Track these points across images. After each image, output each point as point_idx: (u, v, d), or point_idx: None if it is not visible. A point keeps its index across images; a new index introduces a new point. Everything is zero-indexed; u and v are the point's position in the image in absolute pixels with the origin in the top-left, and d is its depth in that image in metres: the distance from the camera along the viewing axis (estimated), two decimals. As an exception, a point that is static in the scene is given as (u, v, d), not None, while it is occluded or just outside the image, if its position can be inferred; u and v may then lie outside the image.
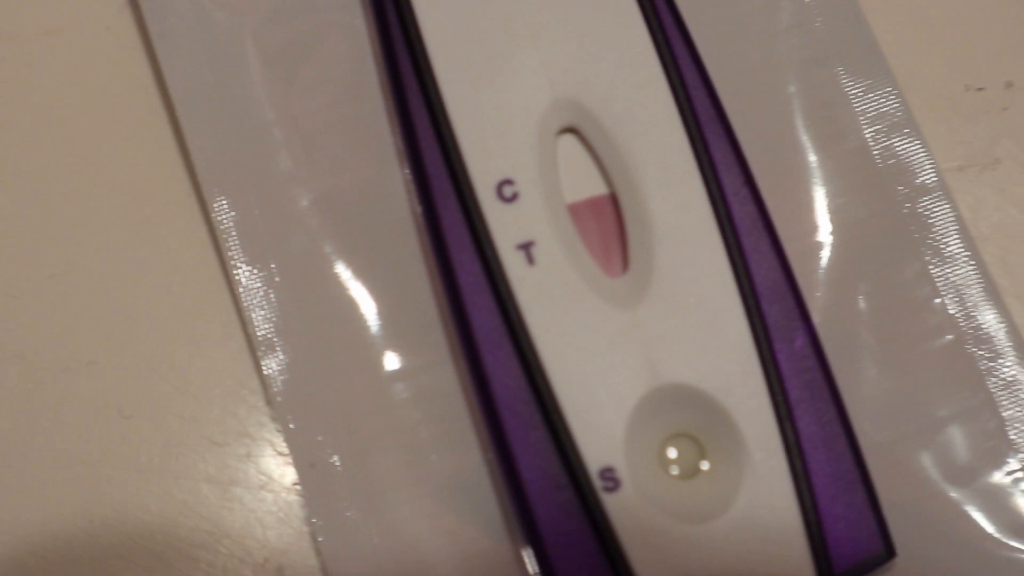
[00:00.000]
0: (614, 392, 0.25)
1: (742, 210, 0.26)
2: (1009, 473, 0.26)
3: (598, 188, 0.26)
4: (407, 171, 0.27)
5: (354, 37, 0.28)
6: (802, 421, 0.25)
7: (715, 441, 0.25)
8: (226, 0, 0.28)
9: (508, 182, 0.26)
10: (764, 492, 0.24)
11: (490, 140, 0.26)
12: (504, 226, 0.25)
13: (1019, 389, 0.26)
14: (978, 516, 0.26)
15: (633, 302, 0.25)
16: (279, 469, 0.26)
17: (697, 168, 0.26)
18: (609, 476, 0.24)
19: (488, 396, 0.25)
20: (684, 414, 0.25)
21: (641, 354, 0.25)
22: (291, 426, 0.26)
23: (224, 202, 0.27)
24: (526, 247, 0.25)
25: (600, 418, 0.25)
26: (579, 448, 0.24)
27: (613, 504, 0.24)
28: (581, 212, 0.26)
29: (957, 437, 0.26)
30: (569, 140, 0.26)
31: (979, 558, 0.25)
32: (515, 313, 0.25)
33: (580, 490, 0.24)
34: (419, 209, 0.26)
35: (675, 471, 0.25)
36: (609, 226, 0.26)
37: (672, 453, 0.25)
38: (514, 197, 0.26)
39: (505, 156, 0.26)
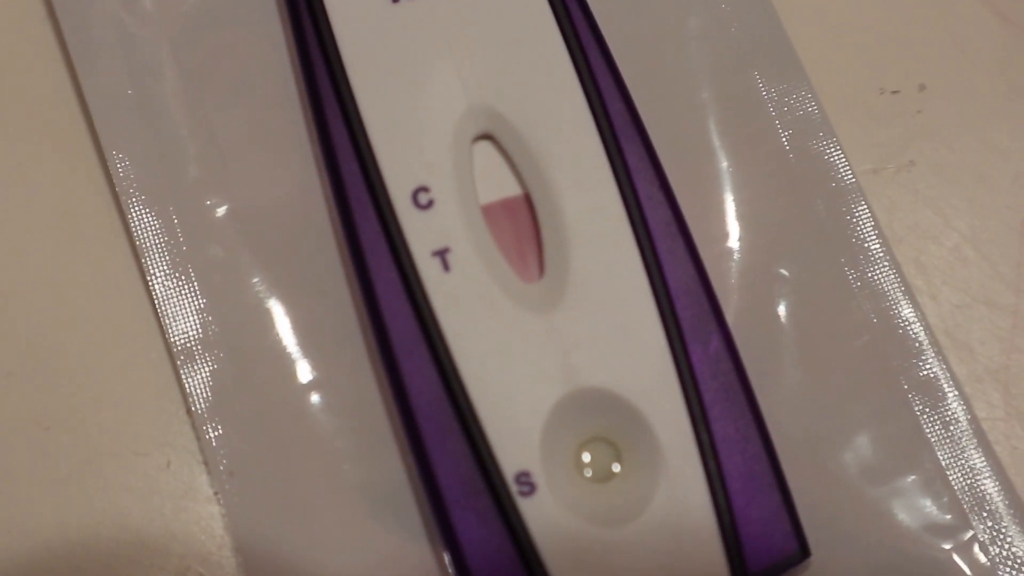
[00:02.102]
0: (530, 397, 0.25)
1: (656, 214, 0.26)
2: (923, 471, 0.26)
3: (513, 191, 0.26)
4: (326, 180, 0.27)
5: (273, 48, 0.28)
6: (717, 423, 0.25)
7: (631, 444, 0.25)
8: (144, 12, 0.28)
9: (423, 189, 0.26)
10: (679, 495, 0.25)
11: (405, 148, 0.26)
12: (419, 233, 0.26)
13: (934, 389, 0.27)
14: (894, 515, 0.26)
15: (548, 307, 0.25)
16: (199, 478, 0.26)
17: (612, 173, 0.26)
18: (525, 480, 0.25)
19: (405, 402, 0.25)
20: (600, 418, 0.25)
21: (557, 359, 0.25)
22: (210, 435, 0.26)
23: (142, 212, 0.27)
24: (441, 254, 0.26)
25: (516, 423, 0.25)
26: (495, 453, 0.25)
27: (529, 508, 0.24)
28: (496, 214, 0.26)
29: (873, 436, 0.26)
30: (485, 147, 0.27)
31: (895, 556, 0.26)
32: (431, 320, 0.25)
33: (496, 495, 0.25)
34: (337, 216, 0.26)
35: (591, 475, 0.25)
36: (524, 230, 0.26)
37: (588, 457, 0.25)
38: (429, 204, 0.26)
39: (420, 164, 0.26)
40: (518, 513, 0.24)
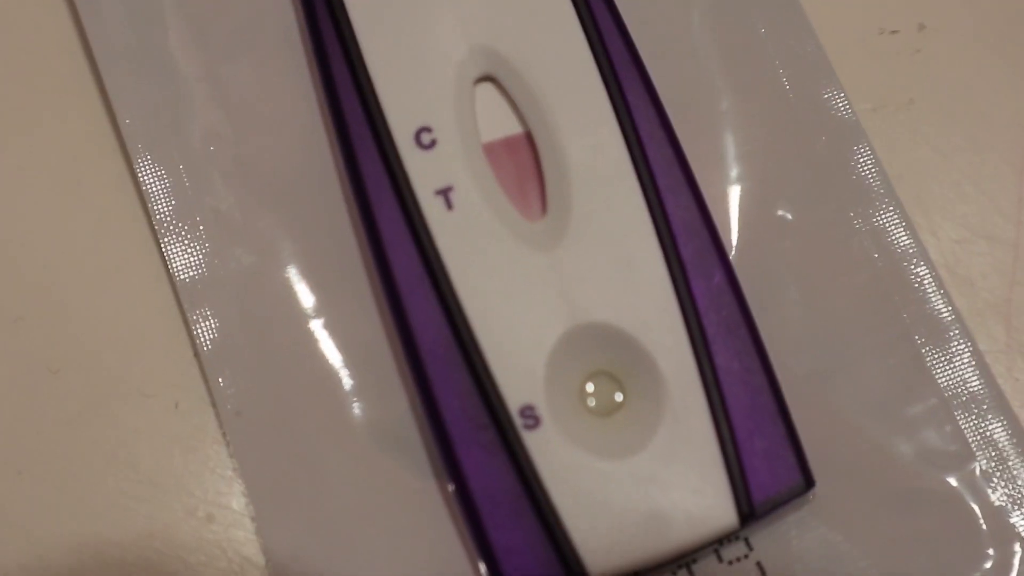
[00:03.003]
0: (533, 332, 0.25)
1: (658, 151, 0.26)
2: (926, 404, 0.26)
3: (515, 130, 0.27)
4: (330, 124, 0.27)
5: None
6: (719, 356, 0.25)
7: (634, 378, 0.25)
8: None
9: (426, 129, 0.26)
10: (683, 426, 0.25)
11: (408, 89, 0.26)
12: (423, 172, 0.26)
13: (936, 323, 0.27)
14: (897, 447, 0.26)
15: (551, 244, 0.26)
16: (208, 419, 0.26)
17: (613, 112, 0.26)
18: (529, 414, 0.25)
19: (410, 340, 0.25)
20: (603, 352, 0.25)
21: (559, 294, 0.25)
22: (217, 376, 0.26)
23: (148, 159, 0.27)
24: (445, 192, 0.26)
25: (520, 358, 0.25)
26: (499, 388, 0.25)
27: (534, 442, 0.25)
28: (498, 153, 0.26)
29: (875, 371, 0.26)
30: (487, 88, 0.27)
31: (898, 488, 0.26)
32: (435, 258, 0.25)
33: (501, 429, 0.25)
34: (341, 158, 0.26)
35: (595, 408, 0.25)
36: (527, 169, 0.26)
37: (592, 391, 0.25)
38: (432, 144, 0.26)
39: (423, 104, 0.26)
40: (523, 447, 0.25)
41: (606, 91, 0.26)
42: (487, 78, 0.27)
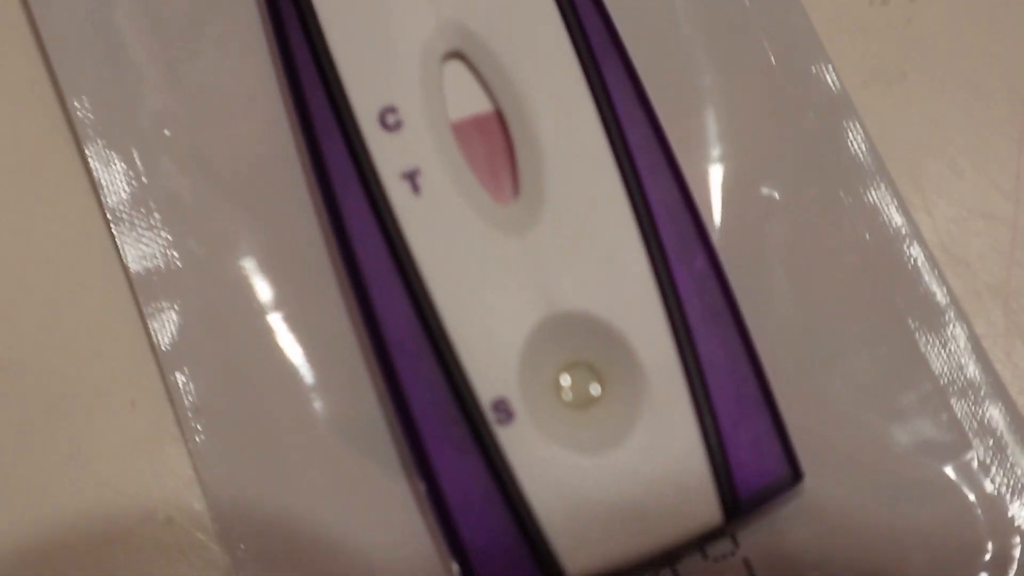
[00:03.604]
0: (506, 322, 0.24)
1: (636, 131, 0.25)
2: (920, 392, 0.25)
3: (485, 108, 0.25)
4: (291, 105, 0.26)
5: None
6: (703, 344, 0.24)
7: (612, 368, 0.24)
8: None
9: (391, 110, 0.25)
10: (663, 419, 0.24)
11: (372, 67, 0.25)
12: (387, 155, 0.24)
13: (929, 307, 0.25)
14: (891, 437, 0.25)
15: (524, 228, 0.24)
16: (166, 418, 0.25)
17: (588, 89, 0.25)
18: (503, 408, 0.24)
19: (376, 331, 0.24)
20: (580, 342, 0.24)
21: (533, 281, 0.24)
22: (174, 373, 0.25)
23: (100, 146, 0.26)
24: (411, 176, 0.24)
25: (492, 349, 0.24)
26: (471, 380, 0.24)
27: (507, 437, 0.23)
28: (468, 133, 0.25)
29: (868, 357, 0.25)
30: (455, 66, 0.25)
31: (893, 479, 0.25)
32: (401, 244, 0.24)
33: (473, 424, 0.23)
34: (303, 142, 0.25)
35: (571, 400, 0.24)
36: (498, 149, 0.25)
37: (568, 382, 0.24)
38: (397, 125, 0.25)
39: (387, 83, 0.25)
40: (496, 442, 0.23)
41: (581, 67, 0.25)
42: (455, 54, 0.25)
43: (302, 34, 0.25)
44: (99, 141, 0.26)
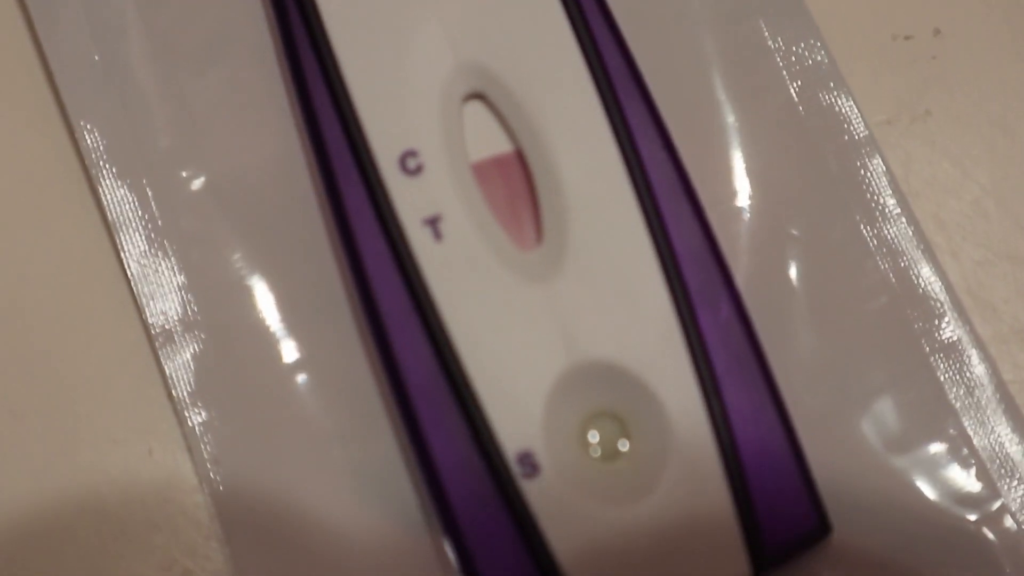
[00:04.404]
0: (530, 372, 0.24)
1: (660, 173, 0.25)
2: (948, 439, 0.25)
3: (505, 148, 0.25)
4: (308, 146, 0.25)
5: (247, 4, 0.26)
6: (729, 394, 0.24)
7: (638, 419, 0.24)
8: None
9: (411, 154, 0.24)
10: (691, 470, 0.23)
11: (391, 110, 0.24)
12: (409, 201, 0.24)
13: (956, 351, 0.25)
14: (918, 485, 0.24)
15: (547, 275, 0.24)
16: (183, 466, 0.25)
17: (611, 131, 0.25)
18: (528, 461, 0.23)
19: (398, 381, 0.24)
20: (605, 392, 0.24)
21: (557, 330, 0.24)
22: (192, 421, 0.24)
23: (113, 185, 0.25)
24: (433, 222, 0.24)
25: (516, 400, 0.23)
26: (495, 433, 0.23)
27: (533, 490, 0.23)
28: (488, 174, 0.25)
29: (894, 403, 0.25)
30: (475, 107, 0.25)
31: (921, 529, 0.24)
32: (423, 293, 0.24)
33: (498, 477, 0.23)
34: (321, 186, 0.25)
35: (597, 452, 0.24)
36: (519, 191, 0.25)
37: (594, 434, 0.24)
38: (418, 169, 0.24)
39: (408, 126, 0.24)
40: (521, 496, 0.23)
41: (604, 108, 0.25)
42: (476, 95, 0.25)
43: (321, 77, 0.25)
44: (112, 180, 0.25)
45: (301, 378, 0.25)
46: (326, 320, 0.25)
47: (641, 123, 0.25)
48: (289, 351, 0.25)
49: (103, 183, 0.25)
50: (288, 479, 0.24)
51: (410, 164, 0.24)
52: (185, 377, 0.25)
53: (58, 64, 0.26)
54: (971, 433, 0.25)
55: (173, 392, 0.25)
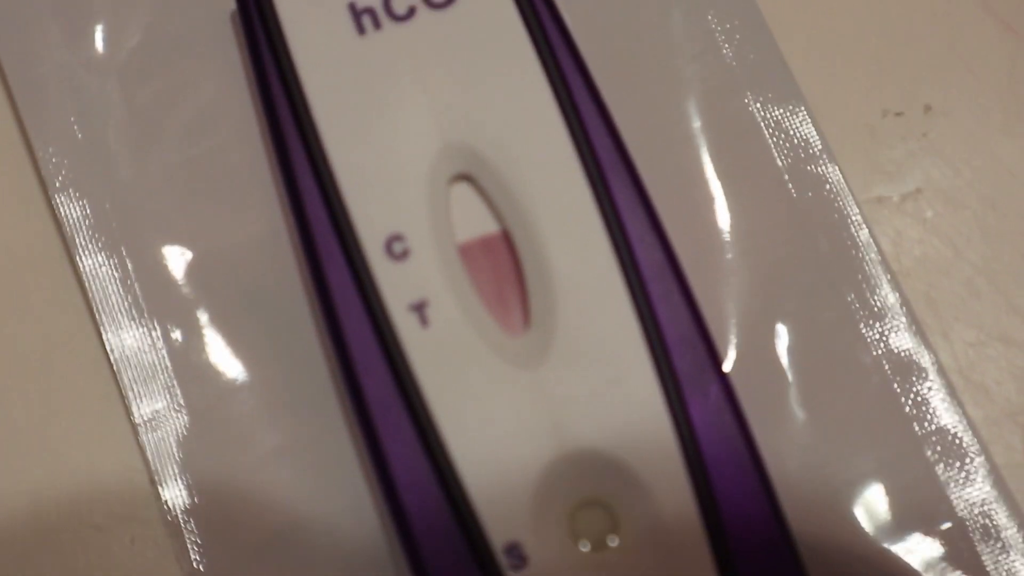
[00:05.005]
0: (518, 460, 0.23)
1: (648, 255, 0.24)
2: (940, 524, 0.24)
3: (491, 228, 0.24)
4: (293, 227, 0.25)
5: (231, 84, 0.26)
6: (718, 481, 0.23)
7: (627, 509, 0.23)
8: (90, 51, 0.26)
9: (398, 238, 0.24)
10: (681, 563, 0.23)
11: (377, 193, 0.24)
12: (394, 286, 0.24)
13: (948, 434, 0.25)
14: (909, 572, 0.24)
15: (535, 361, 0.24)
16: (167, 556, 0.24)
17: (599, 214, 0.24)
18: (515, 553, 0.23)
19: (384, 469, 0.23)
20: (594, 481, 0.23)
21: (546, 417, 0.23)
22: (175, 509, 0.24)
23: (96, 265, 0.25)
24: (419, 308, 0.24)
25: (504, 490, 0.23)
26: (482, 523, 0.23)
27: (520, 583, 0.23)
28: (475, 256, 0.24)
29: (885, 487, 0.25)
30: (462, 188, 0.25)
31: (912, 617, 0.24)
32: (409, 380, 0.23)
33: (485, 570, 0.23)
34: (306, 268, 0.24)
35: (586, 545, 0.23)
36: (506, 273, 0.24)
37: (582, 524, 0.23)
38: (404, 254, 0.24)
39: (393, 210, 0.24)
40: (509, 589, 0.23)
41: (592, 192, 0.24)
42: (462, 176, 0.25)
43: (306, 157, 0.24)
44: (94, 257, 0.25)
45: (285, 465, 0.24)
46: (310, 405, 0.25)
47: (629, 203, 0.25)
48: (273, 437, 0.24)
49: (84, 259, 0.25)
50: (274, 568, 0.24)
51: (396, 248, 0.24)
52: (168, 464, 0.24)
53: (40, 140, 0.26)
54: (964, 519, 0.24)
55: (155, 478, 0.24)
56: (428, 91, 0.25)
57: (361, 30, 0.25)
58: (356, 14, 0.25)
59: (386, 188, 0.24)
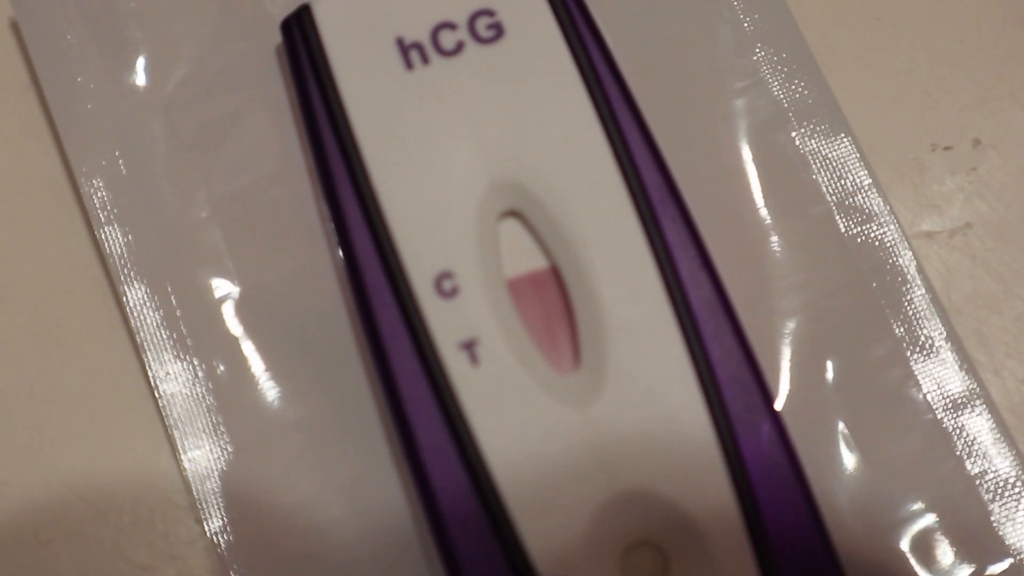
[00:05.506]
0: (568, 500, 0.23)
1: (698, 292, 0.24)
2: (994, 566, 0.24)
3: (539, 264, 0.24)
4: (341, 263, 0.25)
5: (277, 118, 0.26)
6: (771, 523, 0.23)
7: (679, 549, 0.23)
8: (133, 85, 0.26)
9: (447, 275, 0.24)
10: (734, 604, 0.23)
11: (426, 230, 0.24)
12: (444, 324, 0.24)
13: (999, 475, 0.25)
14: (963, 612, 0.24)
15: (586, 400, 0.23)
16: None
17: (650, 251, 0.24)
18: (567, 594, 0.23)
19: (433, 509, 0.23)
20: (645, 521, 0.23)
21: (596, 456, 0.23)
22: (222, 548, 0.24)
23: (141, 299, 0.25)
24: (469, 346, 0.24)
25: (554, 529, 0.23)
26: (533, 564, 0.23)
27: (572, 624, 0.23)
28: (524, 292, 0.24)
29: (938, 528, 0.24)
30: (511, 224, 0.25)
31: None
32: (460, 418, 0.23)
33: (537, 610, 0.23)
34: (354, 304, 0.24)
35: (638, 586, 0.23)
36: (555, 309, 0.24)
37: (634, 565, 0.23)
38: (454, 292, 0.24)
39: (442, 247, 0.24)
40: (560, 630, 0.23)
41: (643, 229, 0.24)
42: (511, 213, 0.25)
43: (354, 195, 0.24)
44: (139, 292, 0.25)
45: (333, 506, 0.24)
46: (358, 442, 0.24)
47: (679, 239, 0.24)
48: (320, 478, 0.24)
49: (129, 294, 0.25)
50: (320, 608, 0.24)
51: (446, 286, 0.24)
52: (215, 502, 0.24)
53: (84, 174, 0.26)
54: (1019, 562, 0.24)
55: (201, 515, 0.24)
56: (476, 126, 0.24)
57: (409, 65, 0.25)
58: (404, 49, 0.25)
59: (435, 225, 0.24)
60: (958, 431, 0.25)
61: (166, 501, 0.25)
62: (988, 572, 0.24)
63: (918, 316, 0.25)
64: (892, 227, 0.26)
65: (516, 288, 0.24)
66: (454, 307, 0.24)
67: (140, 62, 0.26)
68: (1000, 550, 0.24)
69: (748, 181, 0.26)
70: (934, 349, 0.25)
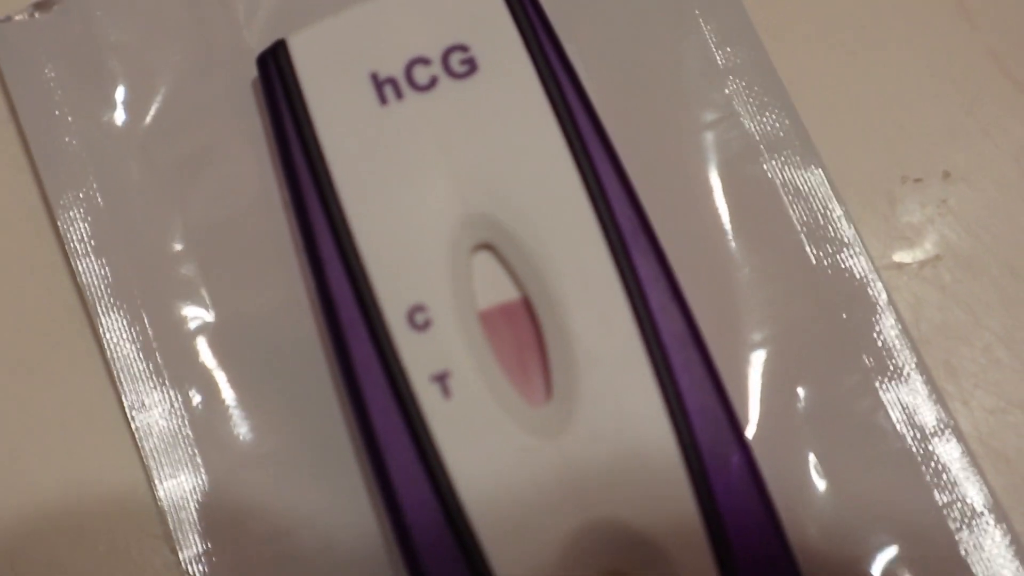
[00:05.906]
0: (540, 531, 0.23)
1: (669, 325, 0.24)
2: (962, 596, 0.24)
3: (511, 295, 0.25)
4: (315, 296, 0.25)
5: (252, 153, 0.26)
6: (742, 557, 0.23)
7: (650, 580, 0.23)
8: (111, 121, 0.26)
9: (419, 308, 0.24)
10: (703, 636, 0.23)
11: (399, 263, 0.24)
12: (417, 357, 0.24)
13: (970, 505, 0.25)
14: (931, 642, 0.24)
15: (557, 431, 0.24)
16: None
17: (621, 284, 0.24)
18: (538, 625, 0.23)
19: (407, 542, 0.23)
20: (615, 552, 0.23)
21: (567, 488, 0.23)
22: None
23: (117, 332, 0.25)
24: (441, 378, 0.24)
25: (525, 560, 0.23)
26: (505, 595, 0.23)
27: (542, 655, 0.23)
28: (495, 323, 0.24)
29: (906, 559, 0.25)
30: (484, 257, 0.25)
31: None
32: (432, 450, 0.23)
33: (507, 642, 0.23)
34: (328, 337, 0.25)
35: (608, 618, 0.23)
36: (527, 340, 0.25)
37: (604, 595, 0.24)
38: (426, 324, 0.24)
39: (415, 280, 0.24)
40: (531, 662, 0.23)
41: (614, 262, 0.24)
42: (484, 246, 0.25)
43: (328, 228, 0.24)
44: (115, 322, 0.25)
45: (307, 535, 0.24)
46: (332, 472, 0.25)
47: (650, 271, 0.25)
48: (294, 507, 0.25)
49: (104, 323, 0.25)
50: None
51: (418, 319, 0.24)
52: (190, 529, 0.24)
53: (61, 206, 0.26)
54: (985, 589, 0.24)
55: (176, 545, 0.24)
56: (450, 161, 0.25)
57: (383, 100, 0.25)
58: (378, 84, 0.25)
59: (408, 258, 0.24)
60: (927, 461, 0.25)
61: (141, 531, 0.25)
62: (956, 602, 0.24)
63: (887, 347, 0.26)
64: (862, 258, 0.26)
65: (488, 320, 0.25)
66: (426, 340, 0.24)
67: (118, 95, 0.27)
68: (967, 579, 0.24)
69: (719, 212, 0.26)
70: (903, 379, 0.25)
